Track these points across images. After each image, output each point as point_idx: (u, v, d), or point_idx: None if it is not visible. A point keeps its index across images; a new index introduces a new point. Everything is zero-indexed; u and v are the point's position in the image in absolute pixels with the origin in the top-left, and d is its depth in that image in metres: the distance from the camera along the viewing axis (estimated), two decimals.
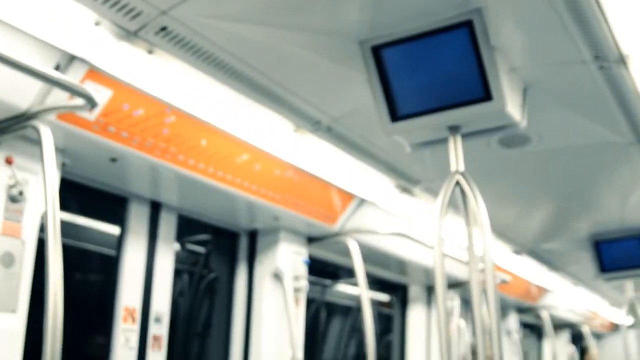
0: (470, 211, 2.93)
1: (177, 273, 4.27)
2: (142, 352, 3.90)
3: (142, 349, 3.90)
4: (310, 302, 5.17)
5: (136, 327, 3.85)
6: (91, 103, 2.60)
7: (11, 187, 2.91)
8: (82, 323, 3.79)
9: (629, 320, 7.94)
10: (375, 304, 6.46)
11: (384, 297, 6.76)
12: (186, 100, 3.21)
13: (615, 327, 11.66)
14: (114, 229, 3.94)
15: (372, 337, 4.39)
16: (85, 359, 3.87)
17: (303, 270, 4.66)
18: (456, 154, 2.97)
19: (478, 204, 2.87)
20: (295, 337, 4.38)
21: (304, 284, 4.62)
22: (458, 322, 6.63)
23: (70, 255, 3.44)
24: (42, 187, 2.60)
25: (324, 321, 6.10)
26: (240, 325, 4.62)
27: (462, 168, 2.94)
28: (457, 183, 2.92)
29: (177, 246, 4.25)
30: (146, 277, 3.96)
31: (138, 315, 3.88)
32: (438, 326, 2.82)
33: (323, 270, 5.68)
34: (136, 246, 3.92)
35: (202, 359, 4.65)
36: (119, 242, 3.90)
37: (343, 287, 6.21)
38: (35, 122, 2.71)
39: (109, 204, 3.87)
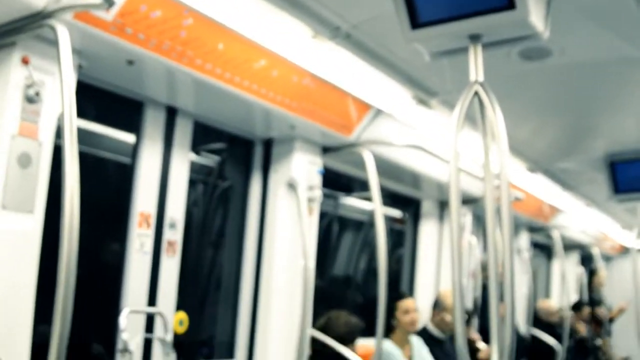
0: (487, 124, 2.89)
1: (192, 183, 4.28)
2: (156, 257, 3.94)
3: (156, 254, 3.94)
4: (323, 215, 5.19)
5: (151, 232, 3.89)
6: (108, 2, 2.57)
7: (28, 87, 2.91)
8: (97, 229, 3.82)
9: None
10: (388, 219, 6.49)
11: (396, 213, 6.79)
12: (204, 2, 3.16)
13: (625, 250, 11.73)
14: (129, 137, 3.94)
15: (384, 251, 4.42)
16: (101, 264, 3.92)
17: (317, 180, 4.66)
18: (476, 63, 2.91)
19: (496, 116, 2.83)
20: (307, 246, 4.41)
21: (317, 193, 4.63)
22: (469, 238, 6.67)
23: (86, 162, 3.45)
24: (58, 88, 2.59)
25: (336, 235, 6.15)
26: (254, 233, 4.66)
27: (481, 78, 2.88)
28: (476, 93, 2.88)
29: (192, 156, 4.25)
30: (161, 183, 3.98)
31: (153, 221, 3.91)
32: (451, 241, 2.82)
33: (337, 183, 5.69)
34: (152, 152, 3.92)
35: (215, 266, 4.71)
36: (135, 147, 3.90)
37: (356, 202, 6.23)
38: (52, 21, 2.68)
39: (125, 109, 3.86)
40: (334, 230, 6.08)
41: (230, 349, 4.59)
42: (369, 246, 6.27)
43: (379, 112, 4.52)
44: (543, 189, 7.15)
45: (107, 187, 4.01)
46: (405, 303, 5.43)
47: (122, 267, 3.80)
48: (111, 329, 3.63)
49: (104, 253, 3.94)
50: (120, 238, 3.83)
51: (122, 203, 3.85)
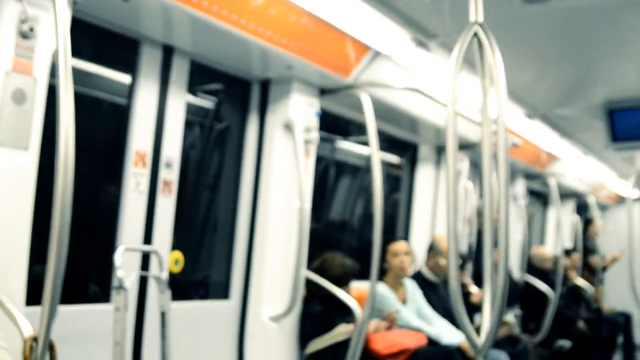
0: (486, 66, 2.86)
1: (189, 124, 4.26)
2: (152, 197, 3.94)
3: (152, 193, 3.94)
4: (319, 159, 5.19)
5: (147, 171, 3.89)
6: None
7: (22, 22, 2.87)
8: (93, 168, 3.81)
9: (635, 192, 7.99)
10: (385, 164, 6.48)
11: (393, 158, 6.78)
12: None
13: (620, 200, 11.76)
14: (125, 77, 3.90)
15: (380, 196, 4.41)
16: (96, 203, 3.92)
17: (314, 122, 4.64)
18: (476, 3, 2.87)
19: (495, 58, 2.80)
20: (303, 188, 4.41)
21: (314, 135, 4.61)
22: (465, 184, 6.68)
23: (81, 102, 3.41)
24: (53, 24, 2.55)
25: (333, 179, 6.15)
26: (250, 175, 4.65)
27: (481, 19, 2.84)
28: (475, 35, 2.85)
29: (189, 97, 4.22)
30: (157, 123, 3.96)
31: (149, 160, 3.90)
32: (447, 186, 2.81)
33: (335, 127, 5.67)
34: (148, 91, 3.89)
35: (211, 207, 4.72)
36: (131, 86, 3.87)
37: (353, 147, 6.22)
38: None
39: (121, 48, 3.82)
40: (330, 175, 6.08)
41: (225, 290, 4.62)
42: (366, 191, 6.28)
43: (377, 54, 4.47)
44: (541, 136, 7.13)
45: (103, 126, 3.99)
46: (394, 246, 5.45)
47: (118, 206, 3.80)
48: (107, 267, 3.64)
49: (100, 192, 3.94)
50: (116, 177, 3.82)
51: (117, 142, 3.84)
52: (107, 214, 3.83)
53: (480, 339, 2.78)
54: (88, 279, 3.83)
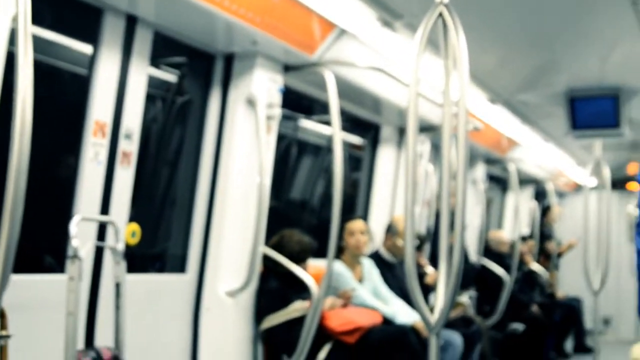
0: (450, 47, 2.87)
1: (151, 98, 4.20)
2: (110, 167, 3.89)
3: (110, 164, 3.89)
4: (282, 138, 5.17)
5: (106, 141, 3.83)
6: None
7: None
8: (51, 137, 3.75)
9: (593, 181, 8.09)
10: (347, 145, 6.48)
11: (355, 139, 6.78)
12: None
13: (578, 187, 11.93)
14: (87, 47, 3.83)
15: (340, 175, 4.42)
16: (54, 173, 3.87)
17: (277, 98, 4.60)
18: None
19: (459, 40, 2.81)
20: (263, 164, 4.39)
21: (277, 112, 4.58)
22: (426, 166, 6.71)
23: (41, 70, 3.37)
24: None
25: (294, 158, 6.14)
26: (211, 149, 4.60)
27: None
28: (440, 15, 2.85)
29: (152, 70, 4.17)
30: (118, 93, 3.89)
31: (108, 130, 3.84)
32: (406, 167, 2.83)
33: (298, 105, 5.65)
34: (110, 61, 3.82)
35: (171, 180, 4.69)
36: (92, 56, 3.80)
37: (316, 126, 6.21)
38: None
39: (83, 16, 3.75)
40: (292, 153, 6.07)
41: (182, 263, 4.60)
42: (326, 171, 6.28)
43: (342, 32, 4.46)
44: (502, 121, 7.19)
45: (62, 95, 3.92)
46: (351, 225, 5.46)
47: (76, 176, 3.75)
48: (63, 238, 3.59)
49: (57, 161, 3.89)
50: (75, 147, 3.77)
51: (77, 112, 3.77)
52: (65, 184, 3.78)
53: (434, 317, 2.81)
54: (43, 249, 3.78)
